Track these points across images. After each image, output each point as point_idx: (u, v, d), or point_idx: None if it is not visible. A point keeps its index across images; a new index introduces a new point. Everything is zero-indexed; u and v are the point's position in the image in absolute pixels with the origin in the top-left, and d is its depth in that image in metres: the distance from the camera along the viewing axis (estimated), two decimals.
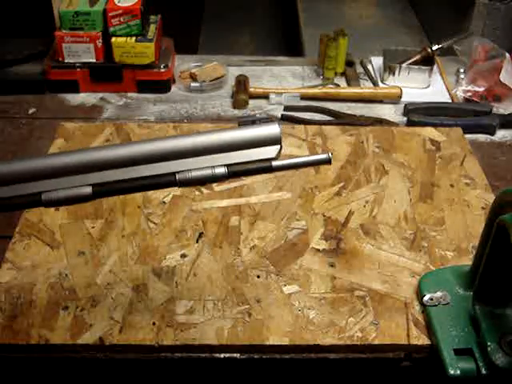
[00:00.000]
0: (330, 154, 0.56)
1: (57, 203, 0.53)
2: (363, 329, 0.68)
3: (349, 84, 1.20)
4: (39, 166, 0.52)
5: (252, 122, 0.55)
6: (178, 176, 0.54)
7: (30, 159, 0.53)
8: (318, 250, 0.78)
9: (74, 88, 1.14)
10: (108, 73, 1.14)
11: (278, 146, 0.55)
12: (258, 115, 0.58)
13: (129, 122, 1.04)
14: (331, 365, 0.68)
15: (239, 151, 0.54)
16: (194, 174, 0.53)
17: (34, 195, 0.52)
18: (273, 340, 0.67)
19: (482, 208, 0.85)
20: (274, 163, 0.55)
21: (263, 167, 0.55)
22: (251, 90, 1.14)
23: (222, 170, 0.54)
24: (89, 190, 0.53)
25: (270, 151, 0.54)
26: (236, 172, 0.55)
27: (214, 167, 0.54)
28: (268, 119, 0.55)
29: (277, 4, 2.58)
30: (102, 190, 0.53)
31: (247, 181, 0.89)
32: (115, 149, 0.54)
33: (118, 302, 0.71)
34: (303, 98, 1.14)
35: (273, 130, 0.54)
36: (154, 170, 0.53)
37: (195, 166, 0.54)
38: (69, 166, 0.52)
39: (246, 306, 0.70)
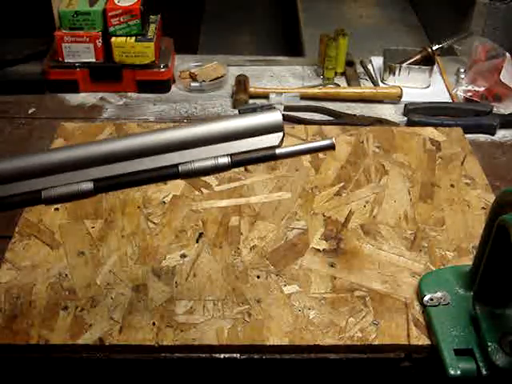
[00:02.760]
0: (334, 140, 0.54)
1: (58, 200, 0.51)
2: (363, 329, 0.68)
3: (349, 84, 1.20)
4: (39, 162, 0.51)
5: (253, 109, 0.54)
6: (180, 168, 0.52)
7: (29, 156, 0.51)
8: (318, 250, 0.78)
9: (73, 88, 1.14)
10: (108, 73, 1.14)
11: (281, 134, 0.53)
12: (258, 103, 0.56)
13: (129, 122, 1.04)
14: (331, 365, 0.68)
15: (242, 140, 0.53)
16: (197, 165, 0.52)
17: (33, 193, 0.51)
18: (273, 340, 0.67)
19: (483, 208, 0.85)
20: (278, 151, 0.54)
21: (267, 155, 0.54)
22: (251, 89, 1.14)
23: (225, 160, 0.52)
24: (90, 185, 0.51)
25: (272, 139, 0.53)
26: (239, 161, 0.53)
27: (216, 157, 0.52)
28: (269, 106, 0.54)
29: (277, 4, 2.58)
30: (104, 185, 0.52)
31: (247, 181, 0.89)
32: (115, 142, 0.52)
33: (117, 302, 0.70)
34: (303, 97, 1.14)
35: (274, 117, 0.53)
36: (155, 162, 0.52)
37: (197, 156, 0.52)
38: (69, 161, 0.51)
39: (246, 306, 0.70)
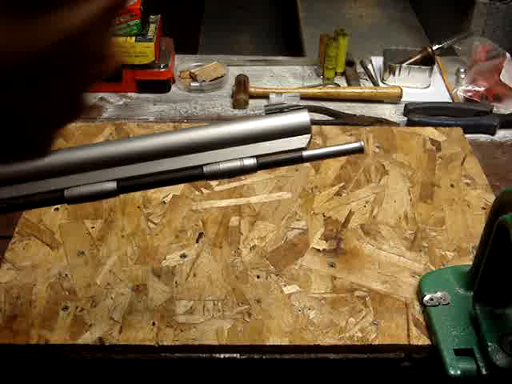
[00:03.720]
0: (362, 143, 0.53)
1: (80, 199, 0.50)
2: (363, 329, 0.68)
3: (349, 84, 1.20)
4: (61, 160, 0.50)
5: (280, 110, 0.52)
6: (205, 168, 0.51)
7: (52, 153, 0.51)
8: (318, 250, 0.78)
9: None
10: None
11: (308, 136, 0.51)
12: (285, 103, 0.54)
13: (129, 122, 1.04)
14: (331, 365, 0.68)
15: (268, 142, 0.51)
16: (223, 166, 0.51)
17: (56, 192, 0.50)
18: (273, 340, 0.67)
19: (483, 208, 0.85)
20: (305, 153, 0.52)
21: (294, 158, 0.52)
22: (251, 89, 1.14)
23: (251, 162, 0.51)
24: (113, 185, 0.50)
25: (299, 141, 0.52)
26: (266, 163, 0.52)
27: (242, 159, 0.51)
28: (296, 107, 0.52)
29: (277, 4, 2.58)
30: (127, 185, 0.51)
31: (247, 181, 0.89)
32: (139, 142, 0.51)
33: (117, 302, 0.70)
34: (303, 97, 1.14)
35: (302, 117, 0.51)
36: (180, 162, 0.51)
37: (223, 157, 0.51)
38: (92, 160, 0.50)
39: (246, 306, 0.70)
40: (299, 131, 0.51)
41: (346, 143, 0.54)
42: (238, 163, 0.51)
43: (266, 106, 0.53)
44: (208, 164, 0.51)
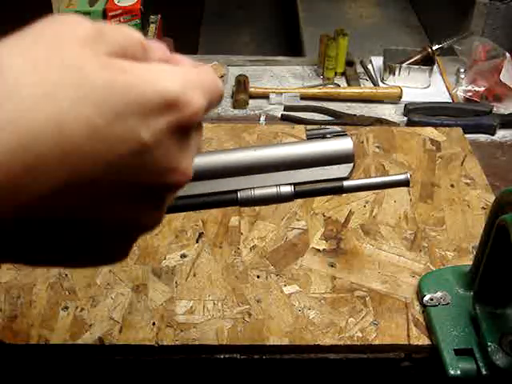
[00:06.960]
0: (409, 175, 0.50)
1: None
2: (363, 329, 0.68)
3: (349, 84, 1.20)
4: None
5: (322, 135, 0.49)
6: (239, 194, 0.48)
7: None
8: (318, 249, 0.78)
9: None
10: None
11: (351, 165, 0.48)
12: (328, 128, 0.50)
13: None
14: (331, 365, 0.68)
15: (307, 169, 0.48)
16: (258, 192, 0.48)
17: None
18: (273, 340, 0.67)
19: (483, 208, 0.85)
20: (346, 183, 0.49)
21: (333, 188, 0.49)
22: (251, 89, 1.14)
23: (288, 190, 0.48)
24: None
25: (340, 170, 0.48)
26: (303, 192, 0.49)
27: (279, 186, 0.48)
28: (340, 133, 0.49)
29: (277, 4, 2.58)
30: None
31: None
32: None
33: (117, 302, 0.70)
34: (303, 98, 1.14)
35: (345, 144, 0.48)
36: (212, 186, 0.47)
37: (258, 183, 0.48)
38: None
39: (246, 306, 0.70)
40: (341, 159, 0.48)
41: (391, 175, 0.51)
42: (274, 190, 0.48)
43: (307, 129, 0.49)
44: (243, 189, 0.48)
